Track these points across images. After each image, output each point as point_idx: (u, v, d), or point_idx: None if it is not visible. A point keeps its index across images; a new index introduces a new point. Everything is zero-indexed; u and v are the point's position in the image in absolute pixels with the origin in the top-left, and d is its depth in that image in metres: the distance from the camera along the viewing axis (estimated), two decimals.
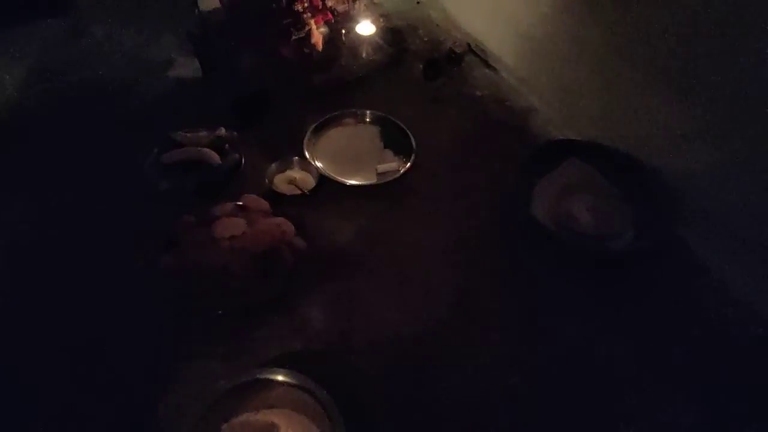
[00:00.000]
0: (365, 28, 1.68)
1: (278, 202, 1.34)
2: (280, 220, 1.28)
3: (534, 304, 1.21)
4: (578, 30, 1.47)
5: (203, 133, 1.43)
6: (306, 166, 1.42)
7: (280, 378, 1.01)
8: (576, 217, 1.32)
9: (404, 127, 1.51)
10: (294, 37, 1.61)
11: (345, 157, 1.48)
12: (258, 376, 1.01)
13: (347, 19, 1.71)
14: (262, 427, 0.97)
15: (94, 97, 1.58)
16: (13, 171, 1.40)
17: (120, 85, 1.60)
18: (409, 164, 1.43)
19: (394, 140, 1.51)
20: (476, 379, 1.08)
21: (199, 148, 1.38)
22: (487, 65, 1.73)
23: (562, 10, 1.49)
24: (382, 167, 1.44)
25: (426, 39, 1.83)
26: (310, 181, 1.39)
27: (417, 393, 1.06)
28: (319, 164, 1.43)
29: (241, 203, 1.30)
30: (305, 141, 1.47)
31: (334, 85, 1.61)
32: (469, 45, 1.78)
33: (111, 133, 1.51)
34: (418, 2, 1.94)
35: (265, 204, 1.32)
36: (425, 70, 1.69)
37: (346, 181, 1.40)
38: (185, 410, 1.01)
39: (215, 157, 1.38)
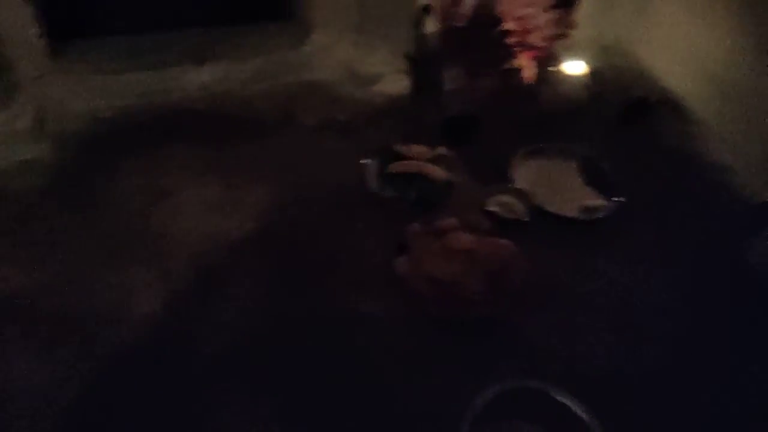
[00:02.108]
0: (575, 67, 1.75)
1: (492, 221, 1.42)
2: (506, 241, 1.35)
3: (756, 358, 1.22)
4: None
5: (423, 148, 1.52)
6: (518, 193, 1.47)
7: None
8: None
9: (607, 169, 1.55)
10: (503, 68, 1.72)
11: (548, 188, 1.52)
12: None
13: (549, 56, 1.80)
14: None
15: (311, 100, 1.70)
16: (247, 161, 1.52)
17: (333, 92, 1.72)
18: (615, 205, 1.47)
19: (595, 179, 1.55)
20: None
21: (425, 162, 1.47)
22: (680, 117, 1.76)
23: None
24: (589, 203, 1.49)
25: (614, 82, 1.87)
26: (520, 208, 1.46)
27: None
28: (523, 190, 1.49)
29: (463, 218, 1.40)
30: (514, 168, 1.55)
31: (537, 117, 1.68)
32: (661, 94, 1.83)
33: (324, 134, 1.61)
34: (606, 47, 1.99)
35: (487, 224, 1.39)
36: (621, 115, 1.74)
37: (560, 212, 1.44)
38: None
39: (439, 173, 1.46)
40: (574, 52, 1.82)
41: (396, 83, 1.73)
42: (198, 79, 1.64)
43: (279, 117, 1.64)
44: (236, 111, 1.63)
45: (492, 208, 1.43)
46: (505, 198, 1.47)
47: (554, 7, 1.79)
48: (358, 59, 1.75)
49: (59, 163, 1.50)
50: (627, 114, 1.75)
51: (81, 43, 1.65)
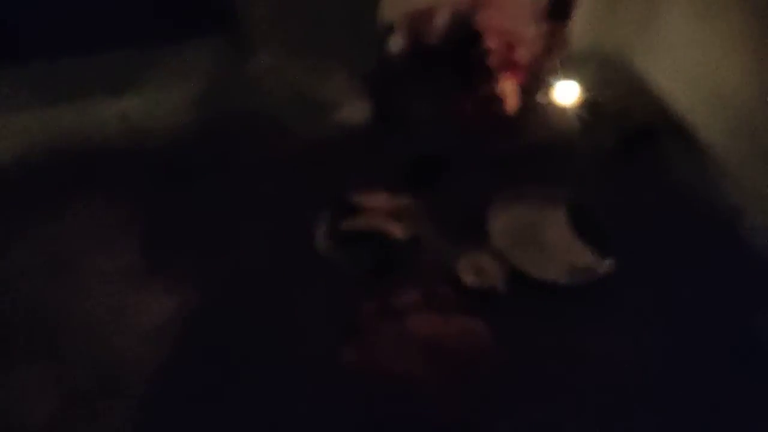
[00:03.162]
0: (566, 92, 1.49)
1: (463, 292, 1.19)
2: (476, 323, 1.12)
3: None
4: None
5: (383, 198, 1.27)
6: (494, 253, 1.23)
7: None
8: None
9: (599, 217, 1.32)
10: (480, 93, 1.48)
11: (530, 242, 1.29)
12: None
13: (537, 78, 1.56)
14: None
15: (253, 134, 1.43)
16: (172, 215, 1.27)
17: (282, 124, 1.45)
18: (609, 265, 1.24)
19: (586, 229, 1.31)
20: None
21: (383, 219, 1.22)
22: (689, 147, 1.51)
23: None
24: (578, 263, 1.26)
25: (613, 105, 1.59)
26: (496, 273, 1.21)
27: None
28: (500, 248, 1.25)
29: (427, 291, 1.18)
30: (491, 219, 1.30)
31: (520, 154, 1.42)
32: (667, 118, 1.58)
33: (272, 178, 1.35)
34: (602, 60, 1.73)
35: (455, 298, 1.17)
36: (619, 146, 1.48)
37: (543, 277, 1.21)
38: None
39: (399, 232, 1.22)
40: (567, 70, 1.59)
41: (355, 113, 1.47)
42: (117, 112, 1.39)
43: (214, 156, 1.38)
44: (162, 149, 1.37)
45: (463, 275, 1.21)
46: (479, 259, 1.22)
47: (545, 17, 1.56)
48: (310, 84, 1.47)
49: None
50: (626, 147, 1.49)
51: None
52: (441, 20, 1.45)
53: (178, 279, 1.18)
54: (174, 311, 1.13)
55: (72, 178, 1.32)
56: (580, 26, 1.61)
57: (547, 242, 1.31)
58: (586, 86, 1.57)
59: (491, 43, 1.45)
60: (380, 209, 1.25)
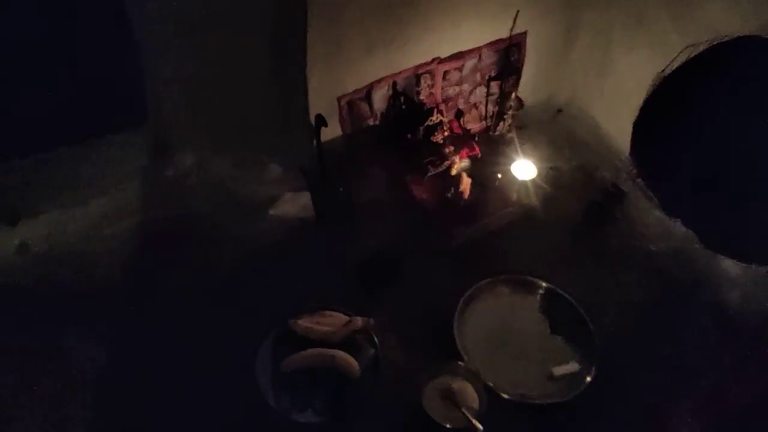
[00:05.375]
0: (524, 169, 1.32)
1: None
2: None
3: None
4: None
5: (334, 321, 1.09)
6: (465, 373, 1.06)
7: None
8: None
9: (575, 305, 1.18)
10: (430, 174, 1.33)
11: (502, 347, 1.14)
12: None
13: (495, 150, 1.41)
14: None
15: (177, 245, 1.23)
16: (86, 368, 1.06)
17: (211, 229, 1.26)
18: (593, 373, 1.09)
19: (562, 320, 1.18)
20: None
21: (333, 353, 1.04)
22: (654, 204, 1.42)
23: None
24: (559, 370, 1.11)
25: (576, 164, 1.48)
26: (470, 395, 1.04)
27: None
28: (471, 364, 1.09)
29: None
30: (455, 327, 1.13)
31: (479, 239, 1.28)
32: (632, 177, 1.47)
33: (199, 303, 1.15)
34: (559, 110, 1.59)
35: None
36: (586, 214, 1.36)
37: (524, 398, 1.05)
38: None
39: (354, 368, 1.03)
40: (523, 125, 1.47)
41: (294, 204, 1.29)
42: (12, 243, 1.17)
43: (135, 281, 1.18)
44: (74, 280, 1.16)
45: (429, 407, 1.01)
46: (451, 382, 1.04)
47: (492, 79, 1.42)
48: (239, 179, 1.30)
49: None
50: (595, 212, 1.36)
51: None
52: (380, 97, 1.30)
53: None
54: None
55: None
56: (533, 77, 1.49)
57: (522, 345, 1.15)
58: (543, 139, 1.47)
59: (439, 115, 1.31)
60: (328, 335, 1.07)
